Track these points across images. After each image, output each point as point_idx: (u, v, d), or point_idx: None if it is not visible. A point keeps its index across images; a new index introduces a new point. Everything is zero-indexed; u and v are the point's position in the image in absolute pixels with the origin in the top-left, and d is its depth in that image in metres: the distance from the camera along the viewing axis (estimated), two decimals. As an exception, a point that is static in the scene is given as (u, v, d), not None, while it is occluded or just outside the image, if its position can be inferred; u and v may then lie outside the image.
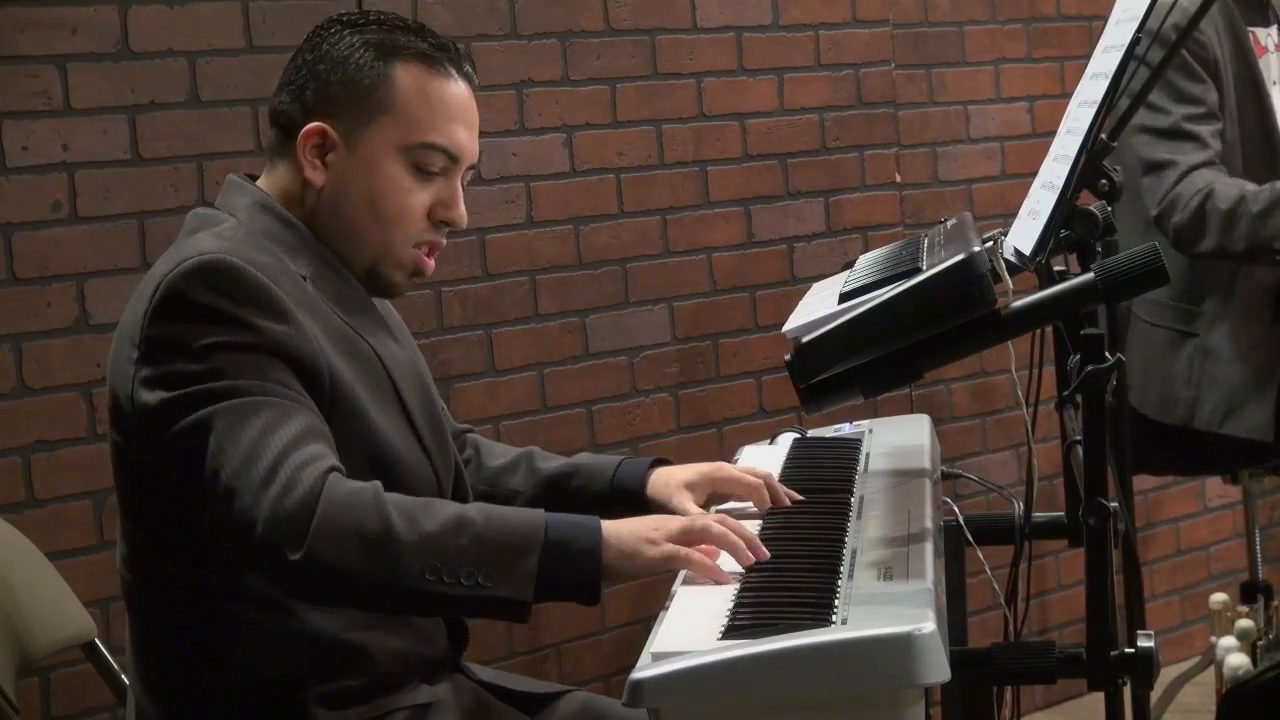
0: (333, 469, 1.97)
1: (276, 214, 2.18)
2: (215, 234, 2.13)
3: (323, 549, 1.91)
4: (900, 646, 1.69)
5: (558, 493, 2.37)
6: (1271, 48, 3.55)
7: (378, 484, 1.99)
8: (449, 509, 1.99)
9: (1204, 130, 3.38)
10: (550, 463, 2.42)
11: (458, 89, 2.21)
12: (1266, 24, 3.56)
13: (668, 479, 2.31)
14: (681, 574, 2.05)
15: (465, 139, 2.21)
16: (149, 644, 2.17)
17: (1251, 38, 3.51)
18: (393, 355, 2.22)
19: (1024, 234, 2.51)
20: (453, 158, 2.21)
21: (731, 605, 1.89)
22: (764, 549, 2.04)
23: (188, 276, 2.05)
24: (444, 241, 2.25)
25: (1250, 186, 3.32)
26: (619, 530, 2.01)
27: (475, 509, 2.02)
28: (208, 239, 2.12)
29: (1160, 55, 2.99)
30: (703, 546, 2.03)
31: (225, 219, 2.17)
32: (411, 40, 2.20)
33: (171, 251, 2.15)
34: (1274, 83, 3.53)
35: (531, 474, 2.40)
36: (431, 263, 2.24)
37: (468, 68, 2.23)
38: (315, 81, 2.18)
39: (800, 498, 2.27)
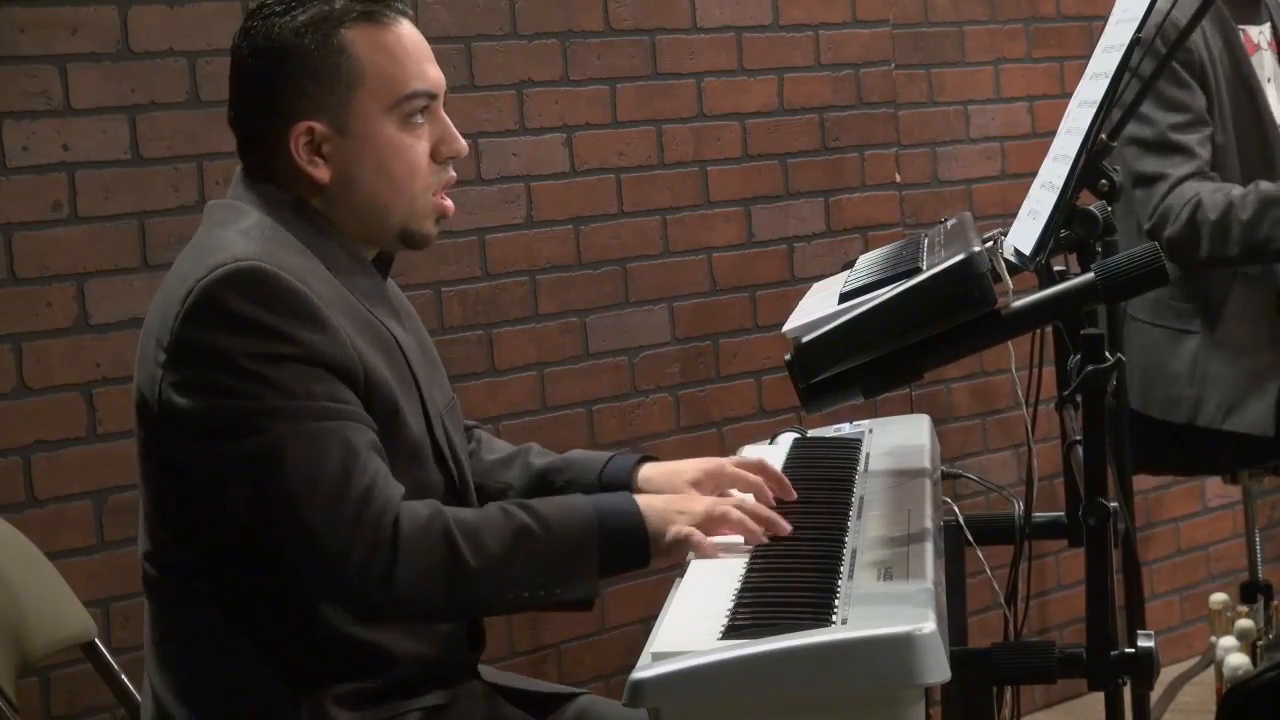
0: (400, 501, 2.03)
1: (290, 203, 2.17)
2: (243, 232, 2.12)
3: (405, 592, 2.01)
4: (900, 646, 1.69)
5: (546, 488, 2.39)
6: (1264, 45, 3.54)
7: (439, 508, 2.06)
8: (510, 522, 2.07)
9: (1191, 139, 3.37)
10: (543, 458, 2.44)
11: (406, 30, 2.19)
12: (1259, 21, 3.55)
13: (672, 476, 2.32)
14: (683, 571, 2.06)
15: (434, 73, 2.21)
16: (169, 638, 2.17)
17: (1243, 36, 3.50)
18: (405, 341, 2.22)
19: (1024, 234, 2.51)
20: (431, 95, 2.20)
21: (731, 605, 1.89)
22: (785, 524, 2.14)
23: (223, 283, 2.04)
24: (454, 175, 2.25)
25: (1236, 191, 3.31)
26: (649, 509, 2.12)
27: (531, 516, 2.08)
28: (238, 239, 2.10)
29: (1150, 65, 2.98)
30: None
31: (249, 212, 2.15)
32: (344, 3, 2.16)
33: (197, 248, 2.12)
34: (1268, 80, 3.52)
35: (525, 469, 2.42)
36: (450, 203, 2.24)
37: (399, 3, 2.20)
38: (280, 84, 2.15)
39: (794, 494, 2.28)
